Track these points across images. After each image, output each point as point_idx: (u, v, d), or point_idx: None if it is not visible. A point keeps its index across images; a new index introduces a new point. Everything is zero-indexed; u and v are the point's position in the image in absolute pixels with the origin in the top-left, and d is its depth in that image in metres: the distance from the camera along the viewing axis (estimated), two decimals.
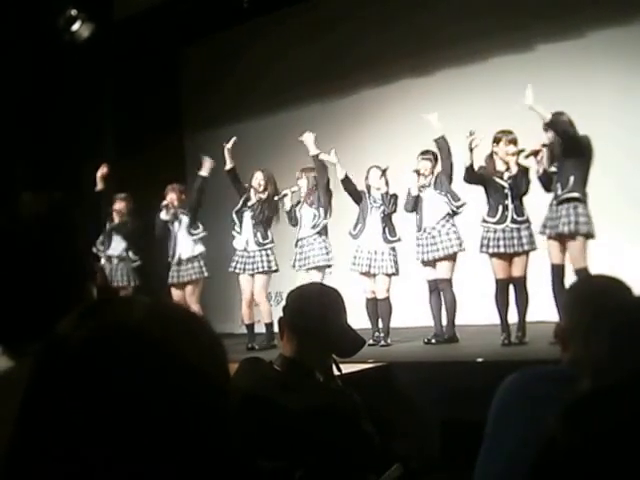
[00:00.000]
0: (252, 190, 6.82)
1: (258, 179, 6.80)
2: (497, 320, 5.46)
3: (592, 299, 1.64)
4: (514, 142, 5.52)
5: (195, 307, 6.50)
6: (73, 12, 7.56)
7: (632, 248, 6.36)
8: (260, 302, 6.76)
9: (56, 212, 1.24)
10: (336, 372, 2.31)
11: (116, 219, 7.24)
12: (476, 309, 6.53)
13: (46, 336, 0.73)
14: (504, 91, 7.37)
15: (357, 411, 2.22)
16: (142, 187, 7.95)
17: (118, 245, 7.26)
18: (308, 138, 6.58)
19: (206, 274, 6.91)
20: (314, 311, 2.19)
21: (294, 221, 6.70)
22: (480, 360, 4.27)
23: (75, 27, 7.60)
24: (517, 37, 7.41)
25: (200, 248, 6.92)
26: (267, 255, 6.73)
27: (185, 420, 0.68)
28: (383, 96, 8.20)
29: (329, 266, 6.53)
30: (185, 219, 6.92)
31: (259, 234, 6.74)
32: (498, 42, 7.52)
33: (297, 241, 6.62)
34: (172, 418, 0.67)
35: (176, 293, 6.94)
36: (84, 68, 8.12)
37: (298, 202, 6.70)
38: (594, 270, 4.82)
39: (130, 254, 7.26)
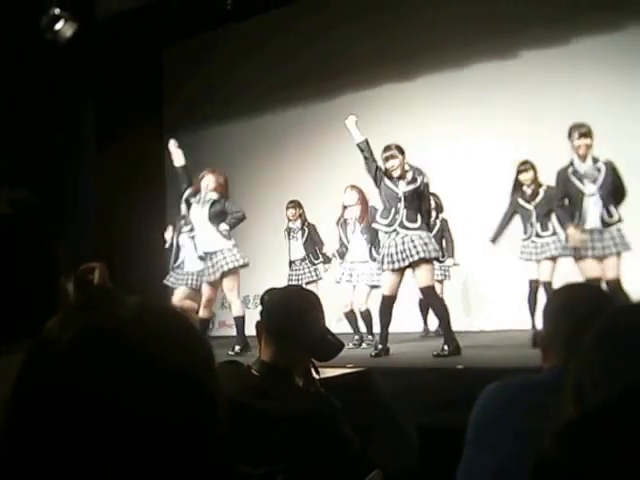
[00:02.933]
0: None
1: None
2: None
3: (573, 308, 1.65)
4: (585, 135, 5.35)
5: (236, 302, 6.44)
6: (56, 11, 7.51)
7: None
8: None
9: (16, 211, 1.23)
10: (315, 376, 2.29)
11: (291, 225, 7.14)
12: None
13: (28, 336, 0.73)
14: (486, 97, 7.43)
15: (336, 416, 2.20)
16: (122, 186, 7.92)
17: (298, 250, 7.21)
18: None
19: (242, 261, 6.38)
20: (293, 314, 2.17)
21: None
22: (460, 367, 4.27)
23: (58, 26, 7.54)
24: (500, 44, 7.47)
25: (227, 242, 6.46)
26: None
27: (170, 422, 0.68)
28: (366, 100, 8.22)
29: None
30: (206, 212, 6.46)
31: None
32: (481, 49, 7.58)
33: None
34: (157, 420, 0.67)
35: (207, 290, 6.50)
36: (66, 66, 8.07)
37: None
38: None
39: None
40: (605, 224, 5.30)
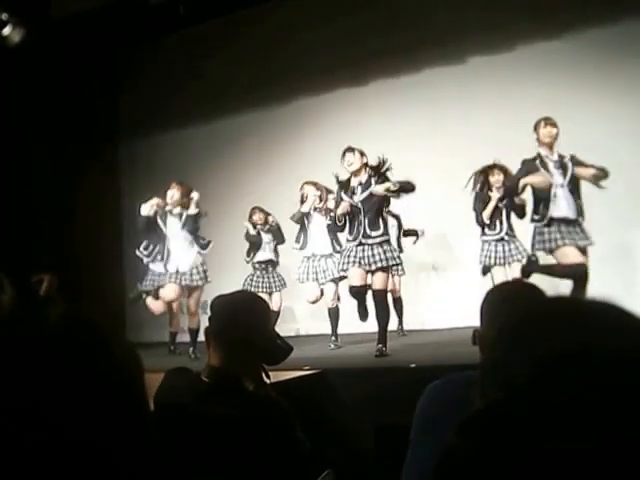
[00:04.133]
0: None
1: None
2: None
3: (506, 305, 1.68)
4: (552, 124, 5.46)
5: (196, 319, 6.57)
6: (4, 16, 7.39)
7: None
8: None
9: None
10: (265, 380, 2.31)
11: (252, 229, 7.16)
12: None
13: None
14: (437, 102, 7.56)
15: (287, 419, 2.22)
16: (76, 192, 7.83)
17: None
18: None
19: (206, 280, 6.66)
20: (241, 319, 2.18)
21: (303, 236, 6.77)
22: (413, 366, 4.32)
23: (6, 31, 7.42)
24: (450, 50, 7.62)
25: (200, 259, 6.69)
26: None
27: (102, 405, 0.72)
28: (321, 105, 8.29)
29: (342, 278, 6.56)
30: (180, 226, 6.60)
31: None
32: (432, 54, 7.71)
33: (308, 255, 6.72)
34: (90, 406, 0.71)
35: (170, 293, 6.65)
36: (17, 69, 7.94)
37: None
38: None
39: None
40: (580, 215, 5.38)
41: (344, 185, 5.57)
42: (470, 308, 6.11)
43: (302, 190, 6.72)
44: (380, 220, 5.50)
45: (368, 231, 5.42)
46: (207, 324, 2.25)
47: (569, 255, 5.30)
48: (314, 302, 6.74)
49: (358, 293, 5.46)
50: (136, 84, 9.48)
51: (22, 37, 7.45)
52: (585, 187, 5.50)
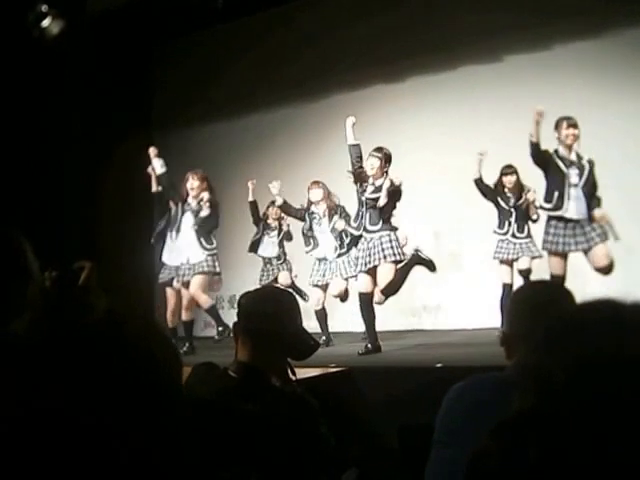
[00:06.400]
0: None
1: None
2: None
3: (533, 305, 1.67)
4: (574, 126, 5.44)
5: (202, 296, 6.44)
6: (43, 8, 7.48)
7: None
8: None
9: None
10: (291, 376, 2.31)
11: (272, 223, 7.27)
12: None
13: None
14: (473, 100, 7.51)
15: (312, 415, 2.22)
16: (108, 185, 7.92)
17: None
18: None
19: (214, 269, 6.54)
20: (269, 314, 2.18)
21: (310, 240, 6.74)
22: (439, 365, 4.32)
23: (45, 23, 7.51)
24: (487, 47, 7.57)
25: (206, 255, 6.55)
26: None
27: (138, 402, 0.73)
28: (354, 101, 8.28)
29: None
30: (192, 220, 6.58)
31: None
32: (468, 52, 7.66)
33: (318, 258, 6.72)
34: (127, 404, 0.72)
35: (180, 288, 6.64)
36: (54, 64, 8.04)
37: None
38: None
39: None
40: (591, 218, 5.36)
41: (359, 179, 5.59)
42: (496, 309, 6.11)
43: (310, 192, 6.70)
44: (380, 218, 5.51)
45: (368, 226, 5.49)
46: (235, 319, 2.27)
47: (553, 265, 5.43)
48: (321, 307, 6.70)
49: (363, 301, 5.57)
50: (170, 77, 9.55)
51: (61, 29, 7.52)
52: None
